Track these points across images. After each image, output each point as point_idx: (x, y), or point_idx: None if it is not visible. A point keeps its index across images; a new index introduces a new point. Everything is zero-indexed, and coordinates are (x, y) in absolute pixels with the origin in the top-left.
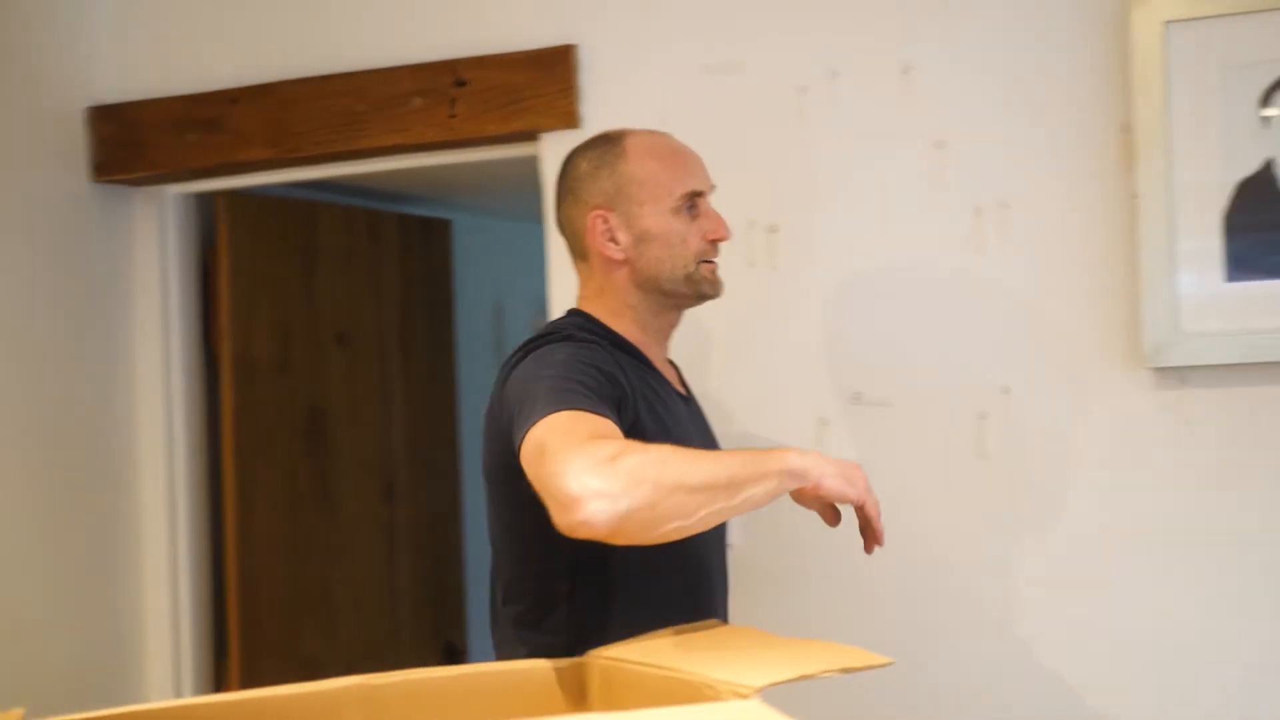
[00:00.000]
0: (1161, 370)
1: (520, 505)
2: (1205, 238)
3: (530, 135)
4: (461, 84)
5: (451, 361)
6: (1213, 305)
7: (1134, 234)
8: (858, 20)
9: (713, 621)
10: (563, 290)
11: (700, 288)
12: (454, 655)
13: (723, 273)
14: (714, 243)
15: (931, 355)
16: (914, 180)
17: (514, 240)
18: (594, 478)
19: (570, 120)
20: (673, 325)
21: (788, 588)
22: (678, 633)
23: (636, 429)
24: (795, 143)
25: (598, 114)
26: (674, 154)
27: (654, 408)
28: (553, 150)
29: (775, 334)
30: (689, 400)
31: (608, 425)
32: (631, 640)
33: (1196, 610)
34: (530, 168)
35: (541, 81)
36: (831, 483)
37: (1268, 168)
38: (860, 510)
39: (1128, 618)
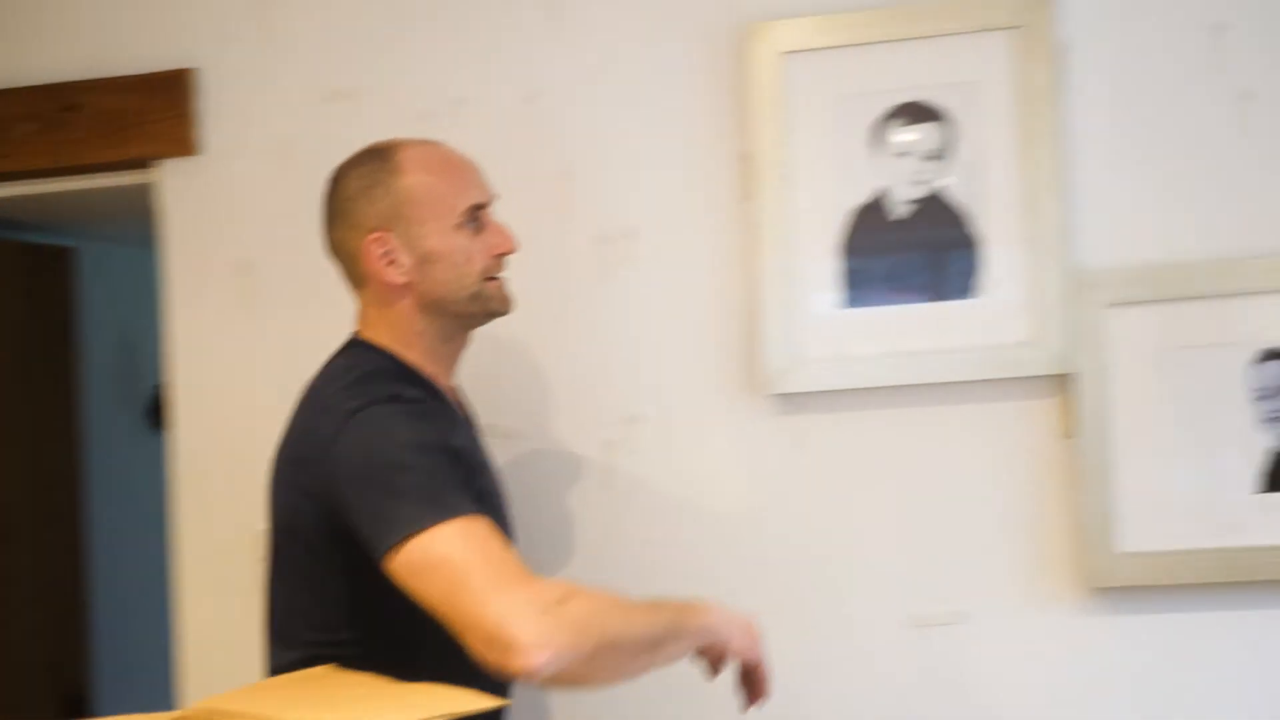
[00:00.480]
0: (782, 396)
1: (339, 571)
2: (822, 265)
3: (146, 162)
4: (73, 108)
5: (74, 396)
6: (829, 332)
7: (755, 262)
8: (481, 47)
9: (328, 667)
10: (182, 323)
11: (489, 305)
12: (78, 706)
13: (348, 306)
14: (500, 257)
15: (559, 385)
16: (541, 208)
17: (146, 269)
18: (544, 626)
19: (187, 147)
20: (462, 348)
21: None
22: (288, 680)
23: (472, 482)
24: None
25: (217, 141)
26: (452, 166)
27: (474, 457)
28: (170, 177)
29: None
30: (473, 422)
31: (505, 539)
32: (239, 690)
33: (824, 626)
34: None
35: (157, 106)
36: (739, 642)
37: (881, 194)
38: (756, 669)
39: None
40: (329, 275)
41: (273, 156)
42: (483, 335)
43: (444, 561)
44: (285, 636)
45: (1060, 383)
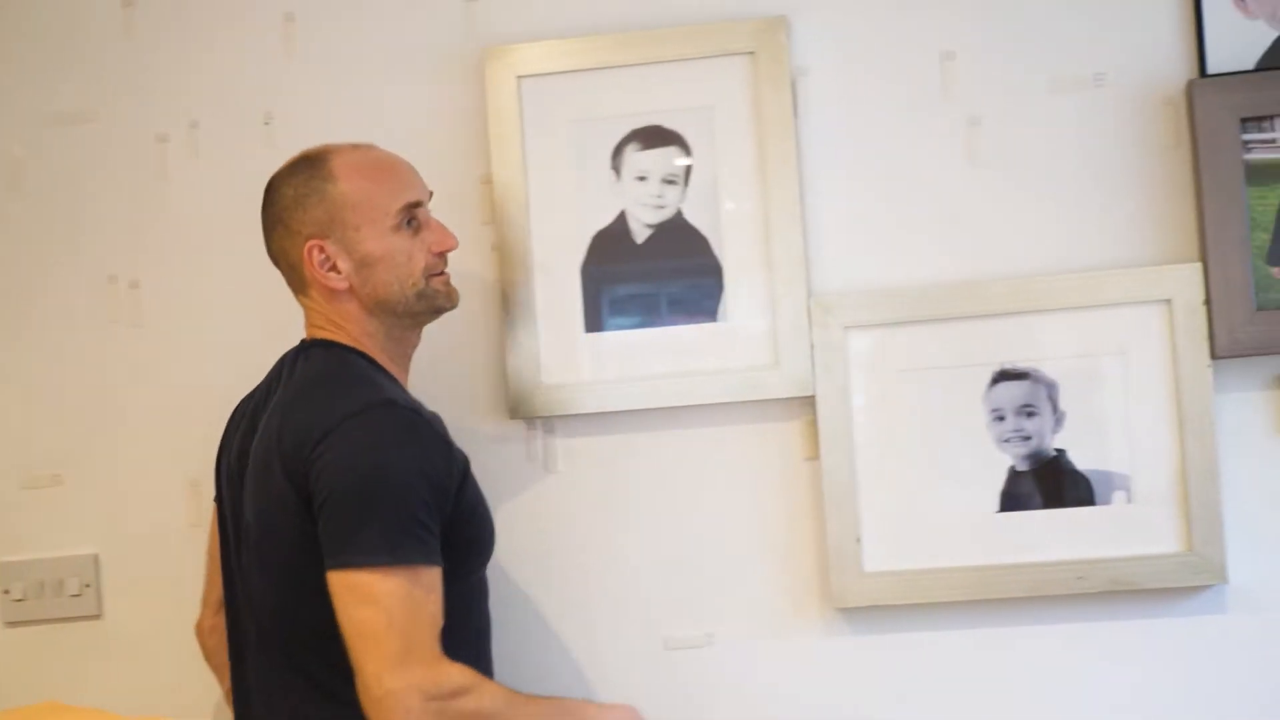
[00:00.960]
0: (527, 420)
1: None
2: (564, 289)
3: None
4: None
5: None
6: (572, 356)
7: (498, 286)
8: (217, 69)
9: (52, 704)
10: None
11: (435, 302)
12: None
13: (82, 331)
14: (441, 254)
15: None
16: None
17: None
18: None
19: None
20: (413, 346)
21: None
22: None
23: (460, 495)
24: (156, 194)
25: None
26: (384, 167)
27: (461, 469)
28: None
29: (141, 393)
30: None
31: (438, 602)
32: None
33: (577, 650)
34: None
35: None
36: None
37: (621, 219)
38: None
39: (514, 664)
40: (60, 303)
41: (1, 180)
42: (217, 360)
43: (373, 605)
44: (272, 638)
45: (804, 405)
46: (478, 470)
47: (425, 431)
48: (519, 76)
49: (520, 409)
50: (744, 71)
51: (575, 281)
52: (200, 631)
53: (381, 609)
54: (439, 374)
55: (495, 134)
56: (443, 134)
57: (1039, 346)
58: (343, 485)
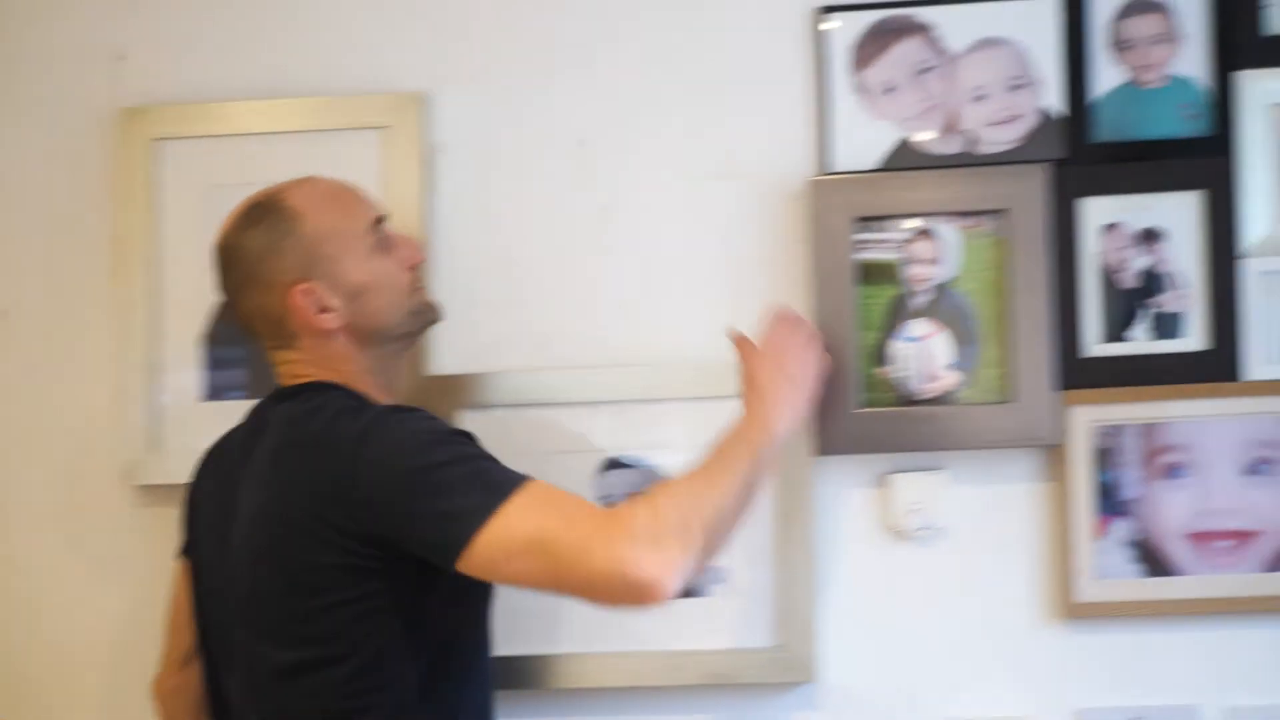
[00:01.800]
0: (144, 488)
1: (376, 608)
2: (186, 354)
3: None
4: None
5: None
6: (191, 423)
7: (120, 347)
8: None
9: None
10: None
11: (426, 317)
12: None
13: None
14: (414, 268)
15: None
16: None
17: None
18: (655, 553)
19: None
20: (401, 372)
21: None
22: None
23: None
24: None
25: None
26: (340, 192)
27: None
28: None
29: None
30: None
31: (565, 489)
32: None
33: None
34: None
35: None
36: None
37: None
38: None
39: None
40: None
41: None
42: None
43: (526, 540)
44: (271, 696)
45: None
46: (98, 547)
47: (425, 411)
48: (153, 139)
49: (136, 476)
50: (377, 146)
51: (196, 347)
52: (160, 690)
53: (532, 539)
54: (59, 438)
55: (126, 194)
56: (79, 187)
57: (652, 435)
58: (405, 490)
